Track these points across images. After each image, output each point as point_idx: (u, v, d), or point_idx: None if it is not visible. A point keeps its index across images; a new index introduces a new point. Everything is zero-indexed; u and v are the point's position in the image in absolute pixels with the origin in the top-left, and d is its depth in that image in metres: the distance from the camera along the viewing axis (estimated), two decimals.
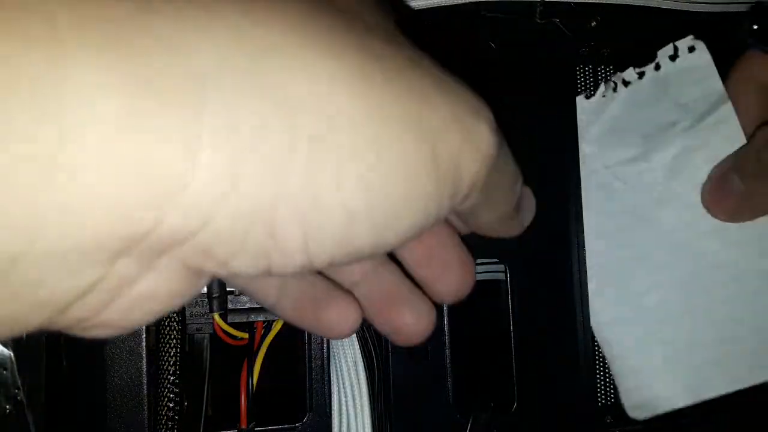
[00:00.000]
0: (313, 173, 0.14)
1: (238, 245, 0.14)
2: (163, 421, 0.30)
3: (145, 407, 0.29)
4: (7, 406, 0.27)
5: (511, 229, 0.24)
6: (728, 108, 0.30)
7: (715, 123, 0.30)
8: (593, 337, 0.33)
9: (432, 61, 0.17)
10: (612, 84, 0.32)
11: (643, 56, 0.32)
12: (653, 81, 0.31)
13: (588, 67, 0.33)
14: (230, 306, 0.31)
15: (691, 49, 0.31)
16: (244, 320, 0.32)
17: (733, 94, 0.30)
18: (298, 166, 0.14)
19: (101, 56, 0.12)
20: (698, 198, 0.30)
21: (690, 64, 0.31)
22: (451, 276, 0.25)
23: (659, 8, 0.33)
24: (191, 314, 0.31)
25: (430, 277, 0.25)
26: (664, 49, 0.31)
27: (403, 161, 0.15)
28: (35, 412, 0.28)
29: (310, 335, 0.32)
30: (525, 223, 0.25)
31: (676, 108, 0.31)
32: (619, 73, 0.32)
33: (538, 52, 0.33)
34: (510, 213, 0.22)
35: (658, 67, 0.31)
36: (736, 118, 0.29)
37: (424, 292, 0.24)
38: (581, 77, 0.34)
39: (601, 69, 0.33)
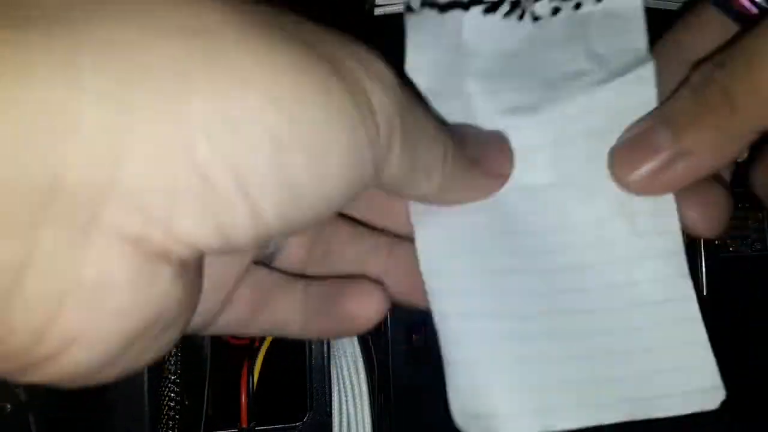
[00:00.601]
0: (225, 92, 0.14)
1: (169, 194, 0.13)
2: (164, 421, 0.30)
3: (146, 407, 0.29)
4: (8, 405, 0.27)
5: (480, 190, 0.22)
6: (650, 69, 0.23)
7: (631, 83, 0.23)
8: None
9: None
10: (519, 11, 0.25)
11: None
12: (569, 21, 0.25)
13: None
14: None
15: None
16: None
17: (659, 60, 0.23)
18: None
19: None
20: (598, 171, 0.23)
21: (617, 8, 0.25)
22: None
23: (658, 9, 0.33)
24: None
25: None
26: None
27: (317, 90, 0.15)
28: (35, 412, 0.28)
29: None
30: (498, 173, 0.22)
31: (588, 56, 0.25)
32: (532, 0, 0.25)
33: None
34: (458, 174, 0.21)
35: (578, 6, 0.25)
36: (655, 82, 0.23)
37: None
38: None
39: None
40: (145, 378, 0.29)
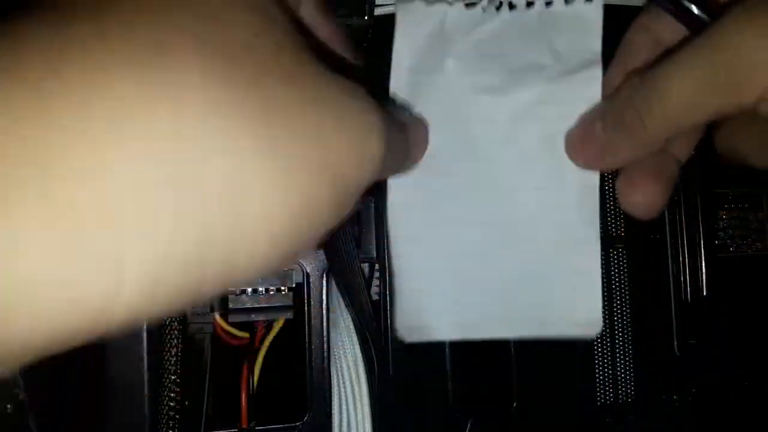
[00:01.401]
0: (236, 220, 0.15)
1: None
2: (164, 421, 0.30)
3: (146, 407, 0.29)
4: (8, 406, 0.27)
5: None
6: (598, 71, 0.28)
7: (581, 81, 0.28)
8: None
9: (333, 78, 0.18)
10: (497, 2, 0.29)
11: None
12: (539, 15, 0.29)
13: None
14: (231, 306, 0.31)
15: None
16: (245, 320, 0.32)
17: (626, 40, 0.29)
18: (218, 230, 0.15)
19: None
20: (537, 150, 0.29)
21: (581, 12, 0.29)
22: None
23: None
24: (192, 314, 0.31)
25: None
26: None
27: (308, 194, 0.17)
28: (35, 412, 0.28)
29: (310, 335, 0.32)
30: (416, 158, 0.28)
31: (549, 52, 0.29)
32: None
33: None
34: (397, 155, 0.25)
35: (549, 3, 0.29)
36: (601, 83, 0.28)
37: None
38: None
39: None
40: (145, 378, 0.29)
